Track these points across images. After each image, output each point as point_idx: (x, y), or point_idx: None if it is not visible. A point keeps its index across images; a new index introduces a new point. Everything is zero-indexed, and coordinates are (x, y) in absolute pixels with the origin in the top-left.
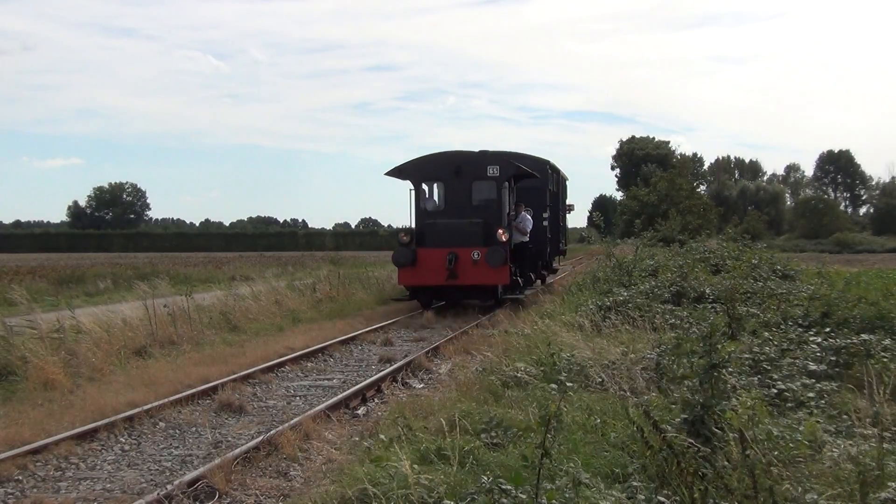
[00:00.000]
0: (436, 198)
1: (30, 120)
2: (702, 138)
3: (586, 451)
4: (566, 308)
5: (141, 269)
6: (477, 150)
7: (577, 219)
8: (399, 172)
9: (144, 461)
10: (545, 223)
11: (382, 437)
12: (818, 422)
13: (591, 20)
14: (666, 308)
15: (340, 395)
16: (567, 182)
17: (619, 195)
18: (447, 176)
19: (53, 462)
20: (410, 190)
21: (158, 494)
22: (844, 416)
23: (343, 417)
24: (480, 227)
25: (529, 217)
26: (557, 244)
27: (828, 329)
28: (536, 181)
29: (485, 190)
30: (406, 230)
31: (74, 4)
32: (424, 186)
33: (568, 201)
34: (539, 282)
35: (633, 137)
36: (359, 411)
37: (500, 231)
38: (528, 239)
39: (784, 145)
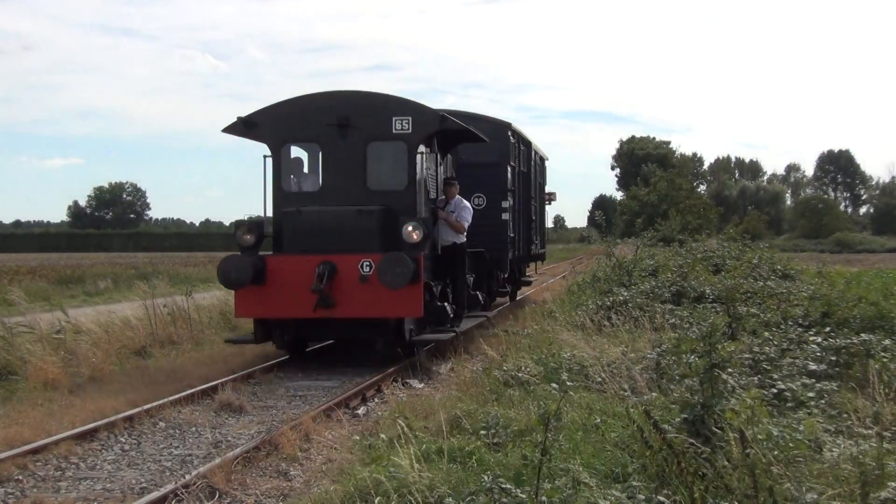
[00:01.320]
0: (309, 170)
1: (30, 120)
2: (702, 138)
3: (586, 451)
4: (566, 308)
5: (141, 269)
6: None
7: (577, 218)
8: (248, 127)
9: (144, 461)
10: (505, 216)
11: (383, 436)
12: (818, 422)
13: (591, 20)
14: (666, 308)
15: (341, 395)
16: (546, 163)
17: (619, 195)
18: (326, 134)
19: (53, 462)
20: (265, 157)
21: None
22: (844, 416)
23: (343, 417)
24: (376, 218)
25: (469, 205)
26: (528, 245)
27: (828, 329)
28: (490, 154)
29: (388, 157)
30: (249, 224)
31: (74, 4)
32: (294, 151)
33: (548, 188)
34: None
35: (633, 137)
36: (359, 411)
37: (410, 228)
38: (464, 239)
39: (784, 145)
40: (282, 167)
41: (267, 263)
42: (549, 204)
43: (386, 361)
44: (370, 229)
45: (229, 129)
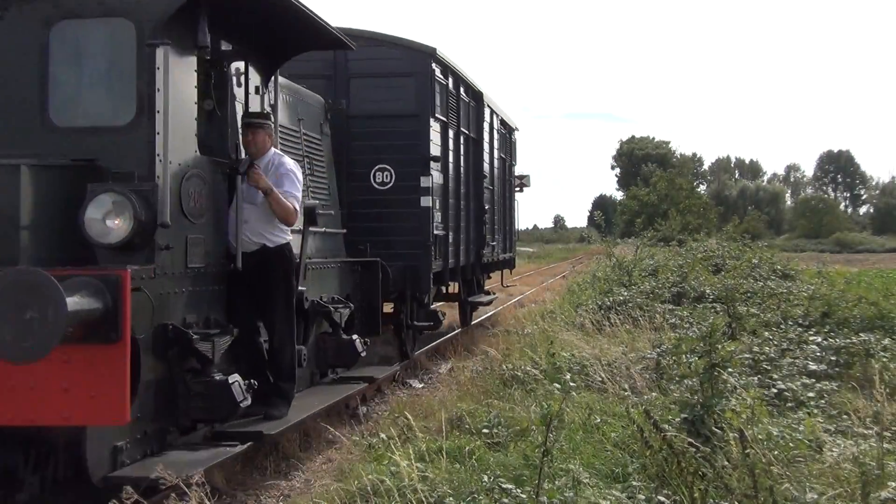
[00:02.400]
0: None
1: None
2: (702, 138)
3: (586, 451)
4: (566, 308)
5: None
6: None
7: (577, 218)
8: None
9: None
10: (427, 201)
11: (383, 436)
12: (818, 422)
13: (591, 19)
14: (666, 308)
15: (341, 395)
16: (516, 134)
17: (619, 195)
18: None
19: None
20: None
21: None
22: (844, 416)
23: (343, 417)
24: (34, 186)
25: (295, 168)
26: (479, 249)
27: (828, 329)
28: (399, 99)
29: (96, 56)
30: None
31: None
32: None
33: (518, 169)
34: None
35: (633, 137)
36: (359, 411)
37: (101, 210)
38: (290, 237)
39: (784, 145)
40: None
41: None
42: (521, 191)
43: None
44: (11, 213)
45: None
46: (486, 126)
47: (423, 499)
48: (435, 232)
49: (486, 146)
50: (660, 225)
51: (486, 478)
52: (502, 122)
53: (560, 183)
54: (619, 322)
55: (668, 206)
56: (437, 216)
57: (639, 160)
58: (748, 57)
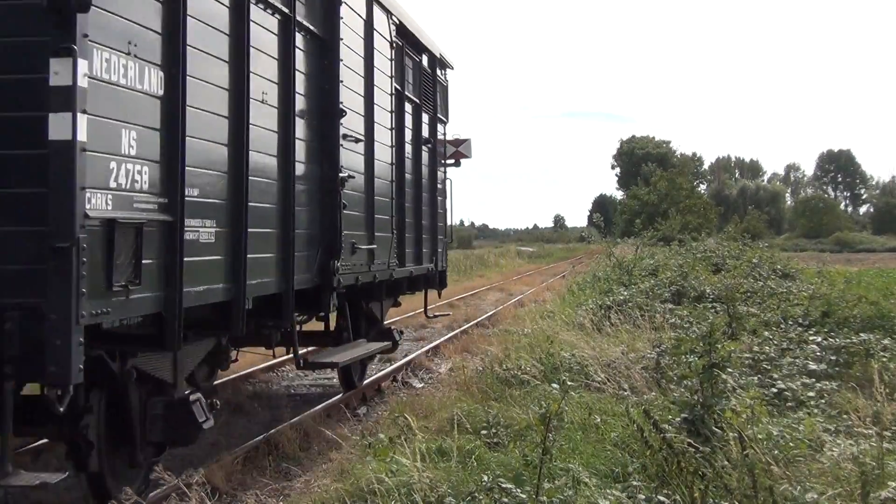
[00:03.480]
0: None
1: None
2: (702, 138)
3: (586, 451)
4: (566, 307)
5: None
6: None
7: (578, 218)
8: None
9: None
10: (69, 125)
11: (383, 436)
12: (818, 422)
13: (592, 18)
14: (666, 307)
15: (340, 395)
16: (447, 74)
17: (619, 195)
18: None
19: (54, 462)
20: None
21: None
22: (844, 416)
23: (343, 417)
24: None
25: None
26: (327, 259)
27: (828, 329)
28: None
29: None
30: None
31: None
32: None
33: (448, 132)
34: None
35: (633, 137)
36: (359, 411)
37: None
38: None
39: (784, 145)
40: None
41: None
42: (457, 165)
43: None
44: None
45: None
46: (348, 17)
47: (423, 499)
48: (110, 213)
49: (346, 56)
50: (660, 225)
51: (486, 478)
52: (402, 32)
53: (560, 182)
54: (618, 322)
55: (668, 206)
56: (128, 172)
57: (639, 160)
58: (748, 56)
